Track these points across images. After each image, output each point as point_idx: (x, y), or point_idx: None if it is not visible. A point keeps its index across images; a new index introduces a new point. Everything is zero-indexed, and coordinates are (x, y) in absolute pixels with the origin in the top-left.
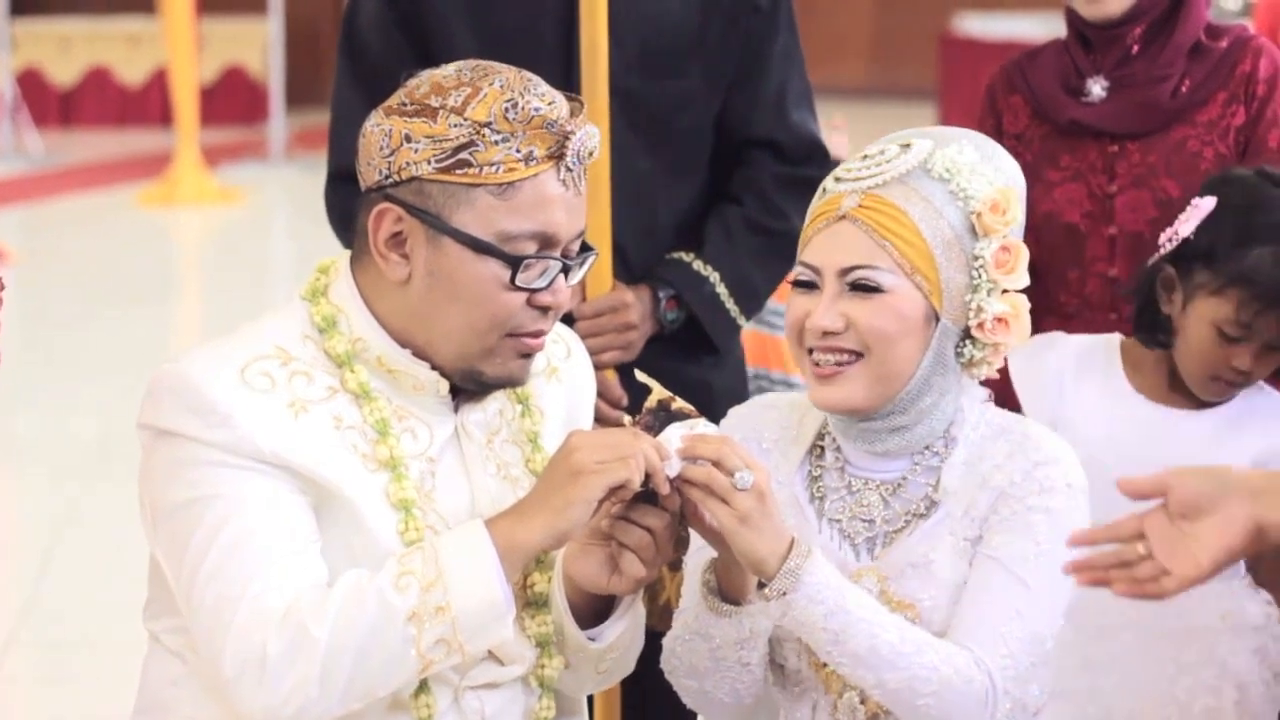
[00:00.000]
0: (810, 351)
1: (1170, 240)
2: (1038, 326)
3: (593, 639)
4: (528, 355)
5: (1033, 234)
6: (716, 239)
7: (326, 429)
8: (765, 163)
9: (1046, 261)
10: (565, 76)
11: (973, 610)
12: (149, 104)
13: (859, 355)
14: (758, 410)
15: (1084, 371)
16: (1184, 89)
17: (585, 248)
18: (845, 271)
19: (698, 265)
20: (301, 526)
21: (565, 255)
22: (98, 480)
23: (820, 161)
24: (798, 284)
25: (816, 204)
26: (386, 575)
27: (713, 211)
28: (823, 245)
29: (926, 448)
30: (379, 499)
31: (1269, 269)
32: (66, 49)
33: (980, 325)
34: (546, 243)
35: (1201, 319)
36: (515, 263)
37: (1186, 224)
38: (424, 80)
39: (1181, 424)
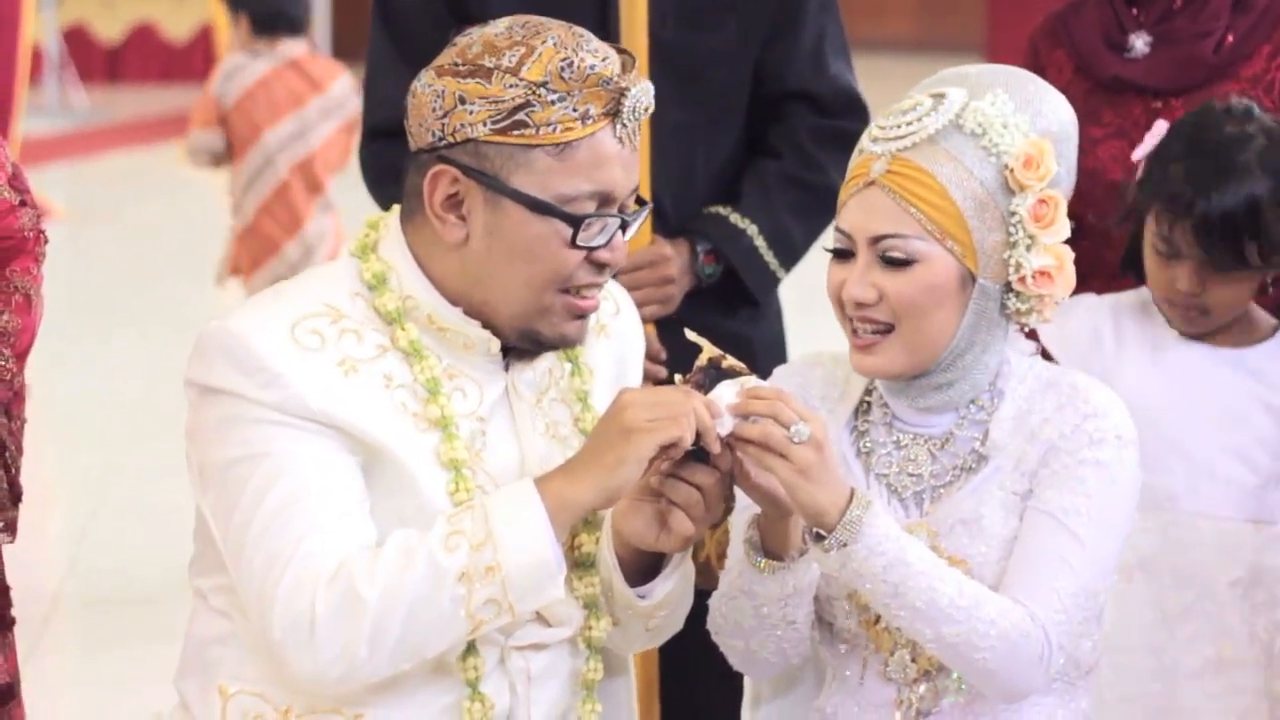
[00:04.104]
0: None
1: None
2: (1083, 284)
3: (642, 596)
4: (582, 316)
5: (1077, 192)
6: (754, 192)
7: (376, 388)
8: (803, 116)
9: (1091, 220)
10: (600, 30)
11: (1025, 564)
12: (194, 60)
13: (892, 326)
14: (803, 368)
15: (1124, 326)
16: (1228, 43)
17: (639, 201)
18: (876, 240)
19: (735, 218)
20: (351, 487)
21: (621, 211)
22: (141, 439)
23: (858, 114)
24: (835, 252)
25: (853, 164)
26: (436, 535)
27: (750, 165)
28: (854, 212)
29: (972, 402)
30: (429, 458)
31: (1178, 180)
32: (111, 6)
33: (1021, 280)
34: (604, 201)
35: (1146, 242)
36: (576, 222)
37: (1141, 148)
38: (475, 39)
39: (1229, 361)
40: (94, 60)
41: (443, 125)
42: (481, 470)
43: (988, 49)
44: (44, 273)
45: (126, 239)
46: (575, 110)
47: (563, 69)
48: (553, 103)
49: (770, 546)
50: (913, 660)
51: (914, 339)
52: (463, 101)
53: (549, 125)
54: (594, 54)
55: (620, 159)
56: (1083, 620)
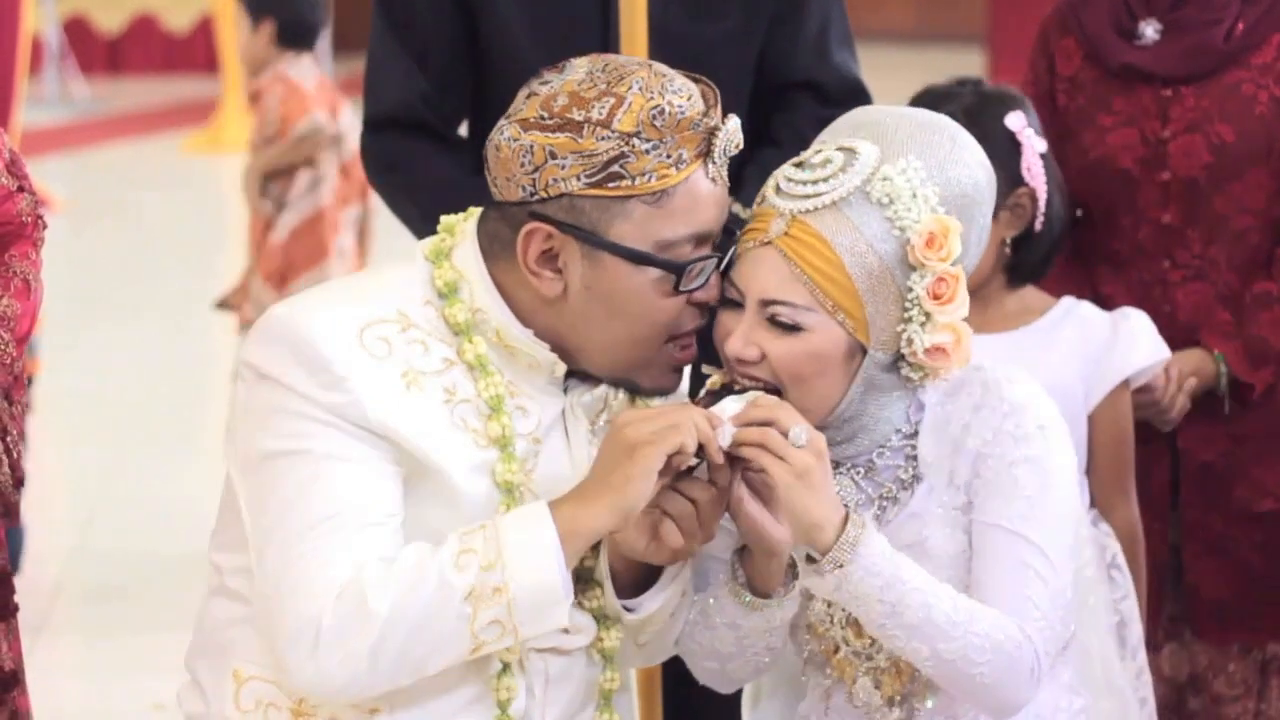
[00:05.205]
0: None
1: None
2: (1091, 274)
3: (629, 610)
4: (679, 368)
5: (1086, 179)
6: (756, 181)
7: (437, 403)
8: (806, 104)
9: (1099, 208)
10: (603, 18)
11: (991, 581)
12: (195, 51)
13: (776, 388)
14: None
15: None
16: (1238, 31)
17: (725, 233)
18: (765, 304)
19: (736, 208)
20: (385, 500)
21: (713, 248)
22: (143, 429)
23: (863, 103)
24: (725, 301)
25: (755, 212)
26: (447, 552)
27: (753, 155)
28: (747, 268)
29: (896, 431)
30: (482, 477)
31: None
32: None
33: (914, 354)
34: (701, 241)
35: None
36: (679, 270)
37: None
38: (558, 90)
39: (1003, 344)
40: (94, 51)
41: (533, 180)
42: (530, 492)
43: (989, 39)
44: (43, 259)
45: (127, 230)
46: (669, 156)
47: (654, 117)
48: (647, 152)
49: (756, 584)
50: (876, 687)
51: (800, 403)
52: (553, 156)
53: (644, 175)
54: (679, 94)
55: (714, 198)
56: (1061, 621)
